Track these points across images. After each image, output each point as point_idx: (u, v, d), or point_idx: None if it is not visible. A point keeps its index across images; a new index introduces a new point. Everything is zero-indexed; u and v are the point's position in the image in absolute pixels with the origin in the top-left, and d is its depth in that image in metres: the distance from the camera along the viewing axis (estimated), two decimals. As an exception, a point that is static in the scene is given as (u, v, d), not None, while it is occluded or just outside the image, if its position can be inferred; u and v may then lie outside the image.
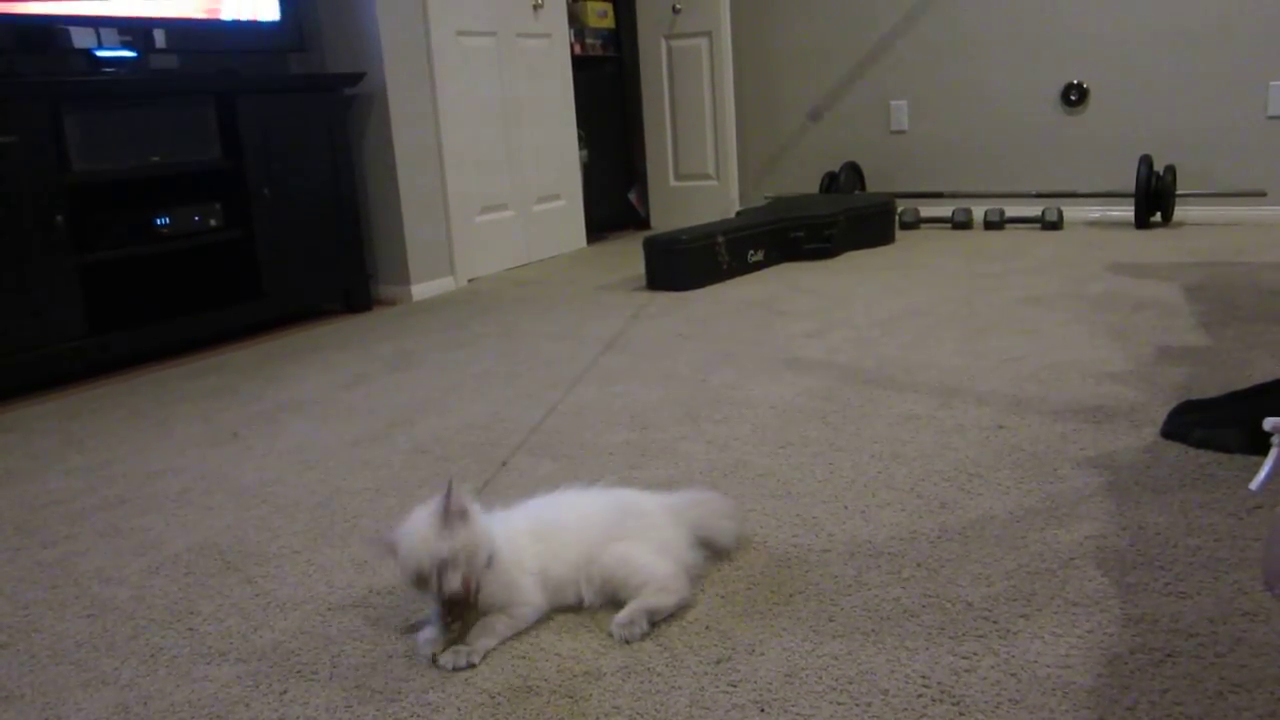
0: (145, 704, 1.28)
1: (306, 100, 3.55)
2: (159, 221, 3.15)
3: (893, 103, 5.05)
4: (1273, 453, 1.38)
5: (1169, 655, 1.21)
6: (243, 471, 2.11)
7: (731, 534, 1.55)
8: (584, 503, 1.49)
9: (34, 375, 2.88)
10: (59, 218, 2.84)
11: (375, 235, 3.94)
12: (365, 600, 1.51)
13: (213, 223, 3.29)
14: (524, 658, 1.31)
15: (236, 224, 3.36)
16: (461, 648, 1.30)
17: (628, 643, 1.32)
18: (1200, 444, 1.83)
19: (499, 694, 1.24)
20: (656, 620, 1.35)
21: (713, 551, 1.52)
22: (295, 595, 1.54)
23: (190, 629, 1.46)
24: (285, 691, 1.28)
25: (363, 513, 1.84)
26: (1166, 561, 1.43)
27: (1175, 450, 1.84)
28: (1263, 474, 1.39)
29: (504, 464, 1.96)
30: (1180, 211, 4.43)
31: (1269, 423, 1.39)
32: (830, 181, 5.04)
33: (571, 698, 1.22)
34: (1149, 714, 1.10)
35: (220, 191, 3.34)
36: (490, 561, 1.33)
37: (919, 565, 1.48)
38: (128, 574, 1.66)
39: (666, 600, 1.36)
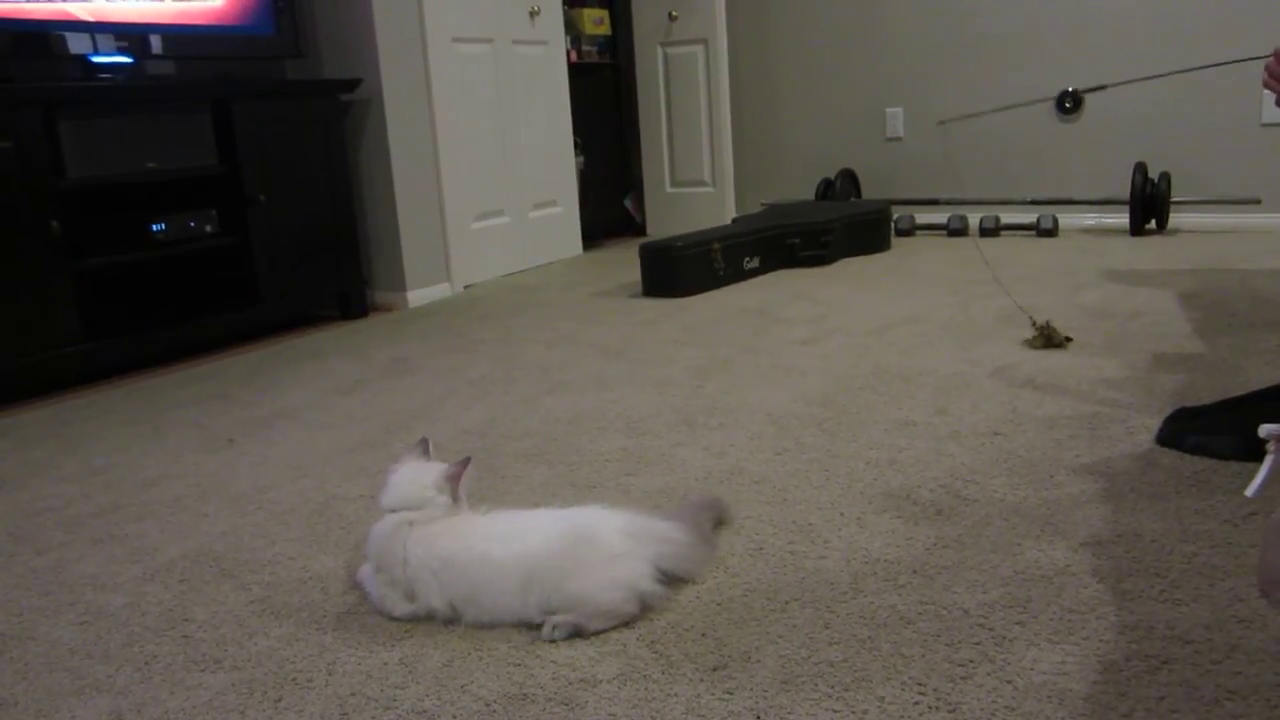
0: (139, 711, 1.27)
1: (302, 106, 3.55)
2: (155, 228, 3.15)
3: (888, 110, 5.06)
4: (1268, 459, 1.38)
5: (1165, 662, 1.21)
6: (238, 478, 2.11)
7: (696, 569, 1.51)
8: (543, 525, 1.46)
9: (29, 381, 2.88)
10: (55, 224, 2.84)
11: (371, 241, 3.94)
12: (360, 607, 1.51)
13: (208, 229, 3.29)
14: (519, 665, 1.31)
15: (232, 230, 3.36)
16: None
17: (544, 639, 1.37)
18: (1195, 450, 1.84)
19: (494, 701, 1.23)
20: (578, 635, 1.36)
21: (675, 581, 1.48)
22: (290, 602, 1.54)
23: (185, 636, 1.46)
24: (280, 699, 1.28)
25: (358, 519, 1.84)
26: (1162, 568, 1.43)
27: (1170, 457, 1.84)
28: (1258, 480, 1.39)
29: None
30: (1175, 219, 4.44)
31: (1264, 429, 1.39)
32: (826, 188, 5.05)
33: (567, 705, 1.22)
34: (1145, 721, 1.10)
35: (216, 197, 3.34)
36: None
37: (915, 572, 1.48)
38: (122, 581, 1.66)
39: (598, 625, 1.37)
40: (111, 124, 3.02)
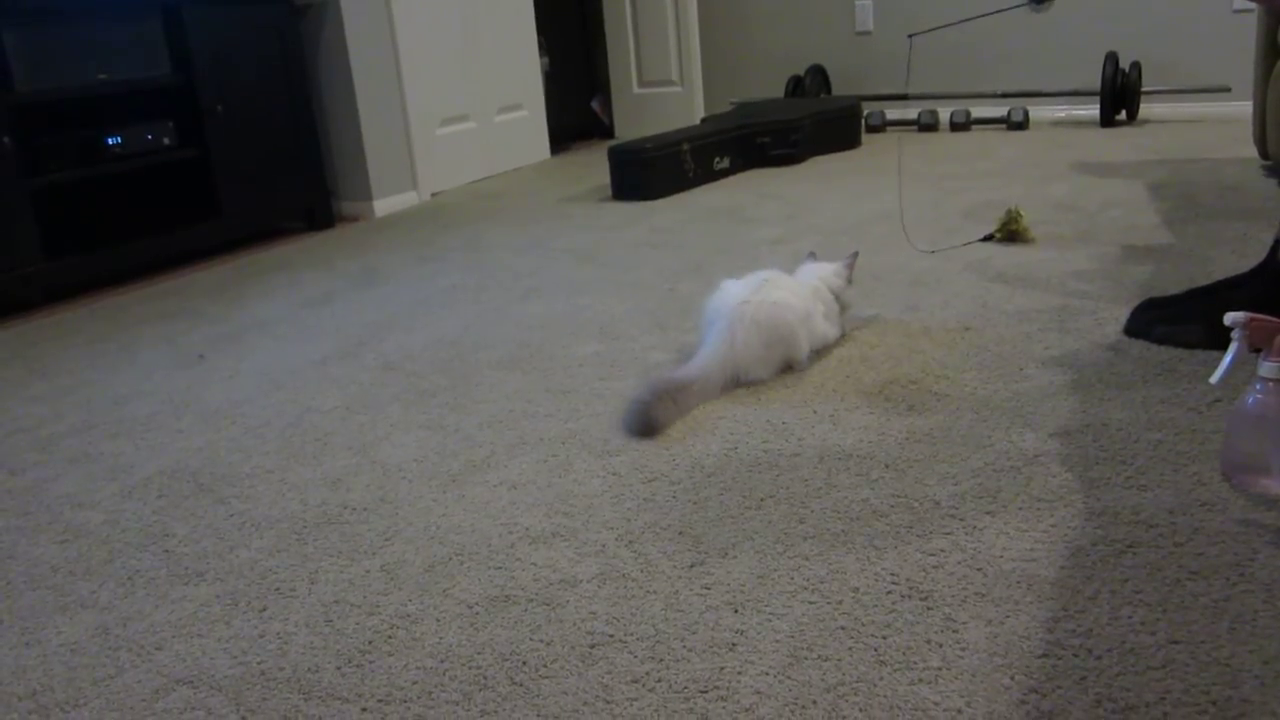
0: (125, 625, 1.29)
1: (257, 12, 3.44)
2: (110, 141, 3.07)
3: (858, 3, 4.96)
4: (1232, 347, 1.41)
5: (1130, 546, 1.24)
6: (211, 393, 2.10)
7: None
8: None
9: (-9, 302, 2.84)
10: (6, 140, 2.76)
11: (335, 150, 3.86)
12: (340, 517, 1.52)
13: (166, 141, 3.21)
14: (500, 568, 1.33)
15: (191, 142, 3.28)
16: None
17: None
18: (1162, 340, 1.86)
19: (476, 604, 1.25)
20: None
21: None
22: (270, 514, 1.55)
23: (166, 550, 1.47)
24: (265, 609, 1.30)
25: (333, 430, 1.84)
26: (1128, 456, 1.46)
27: (1138, 347, 1.86)
28: (1222, 368, 1.41)
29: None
30: (1145, 108, 4.42)
31: (1229, 317, 1.41)
32: (795, 85, 4.98)
33: (548, 605, 1.24)
34: (1110, 603, 1.14)
35: (172, 109, 3.26)
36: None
37: (887, 467, 1.50)
38: (100, 499, 1.66)
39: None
40: (58, 34, 2.92)
